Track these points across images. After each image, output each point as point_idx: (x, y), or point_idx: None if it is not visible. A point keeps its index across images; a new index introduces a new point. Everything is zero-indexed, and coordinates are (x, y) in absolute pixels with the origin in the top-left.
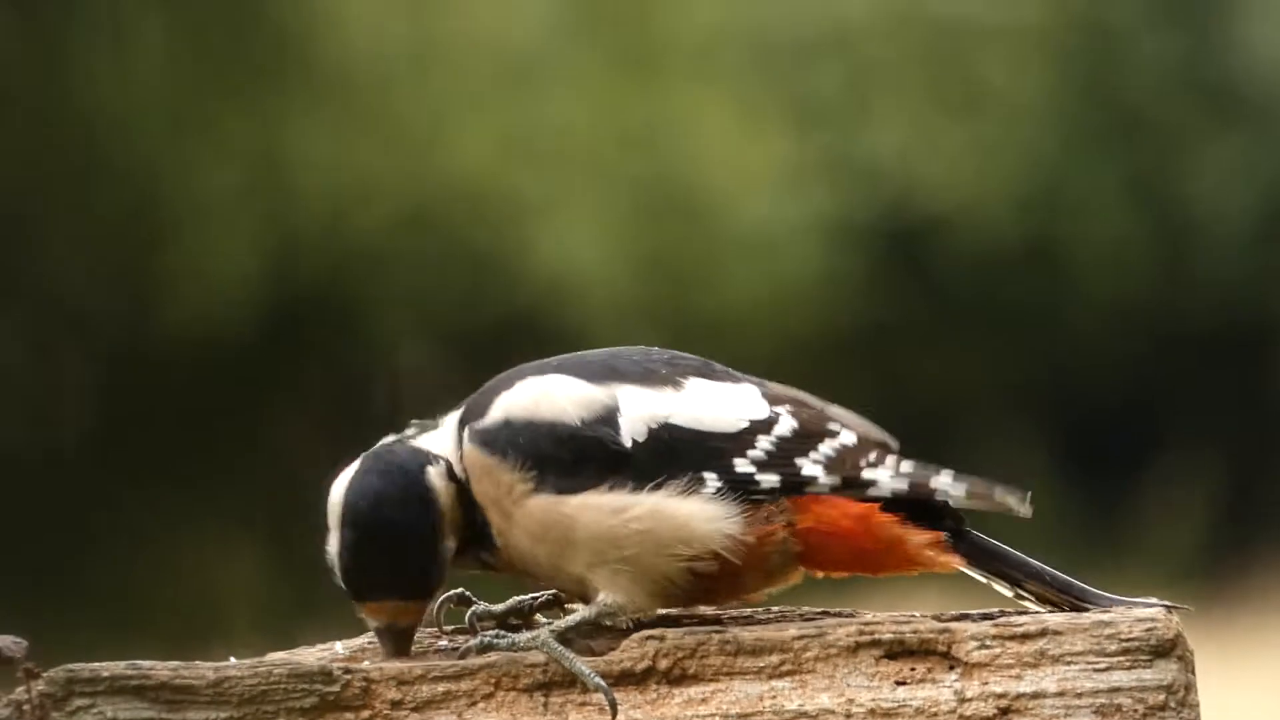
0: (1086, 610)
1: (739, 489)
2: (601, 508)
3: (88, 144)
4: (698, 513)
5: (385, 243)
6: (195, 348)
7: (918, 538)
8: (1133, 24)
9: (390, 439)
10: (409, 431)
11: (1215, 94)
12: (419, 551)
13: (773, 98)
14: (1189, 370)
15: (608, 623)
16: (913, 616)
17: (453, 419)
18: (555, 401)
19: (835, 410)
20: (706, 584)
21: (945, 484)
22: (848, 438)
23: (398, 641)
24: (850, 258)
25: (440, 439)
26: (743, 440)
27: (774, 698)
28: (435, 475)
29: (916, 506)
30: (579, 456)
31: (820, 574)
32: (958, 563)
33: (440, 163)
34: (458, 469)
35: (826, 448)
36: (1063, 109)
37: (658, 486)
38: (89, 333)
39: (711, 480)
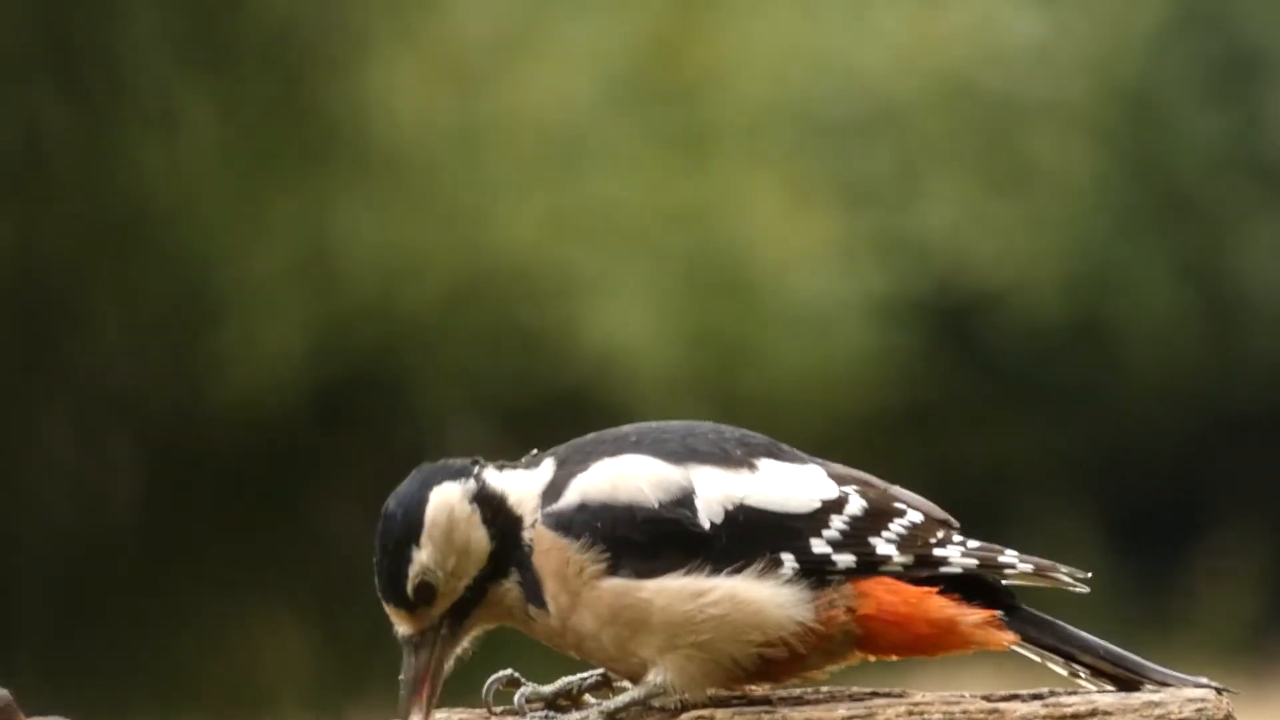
0: (1141, 684)
1: (815, 570)
2: (679, 592)
3: (136, 228)
4: (772, 598)
5: (434, 320)
6: (244, 429)
7: (972, 617)
8: (1181, 102)
9: (483, 464)
10: (521, 460)
11: (1264, 172)
12: (392, 555)
13: (822, 175)
14: (1238, 447)
15: (656, 703)
16: (962, 696)
17: (542, 473)
18: (633, 483)
19: (897, 490)
20: (770, 667)
21: (1012, 559)
22: (915, 516)
23: (409, 655)
24: (899, 335)
25: (524, 481)
26: (817, 520)
27: None
28: (444, 491)
29: (970, 588)
30: (656, 539)
31: (874, 658)
32: (1011, 640)
33: (489, 240)
34: (528, 519)
35: (898, 526)
36: (1111, 186)
37: (736, 570)
38: (137, 416)
39: (789, 561)
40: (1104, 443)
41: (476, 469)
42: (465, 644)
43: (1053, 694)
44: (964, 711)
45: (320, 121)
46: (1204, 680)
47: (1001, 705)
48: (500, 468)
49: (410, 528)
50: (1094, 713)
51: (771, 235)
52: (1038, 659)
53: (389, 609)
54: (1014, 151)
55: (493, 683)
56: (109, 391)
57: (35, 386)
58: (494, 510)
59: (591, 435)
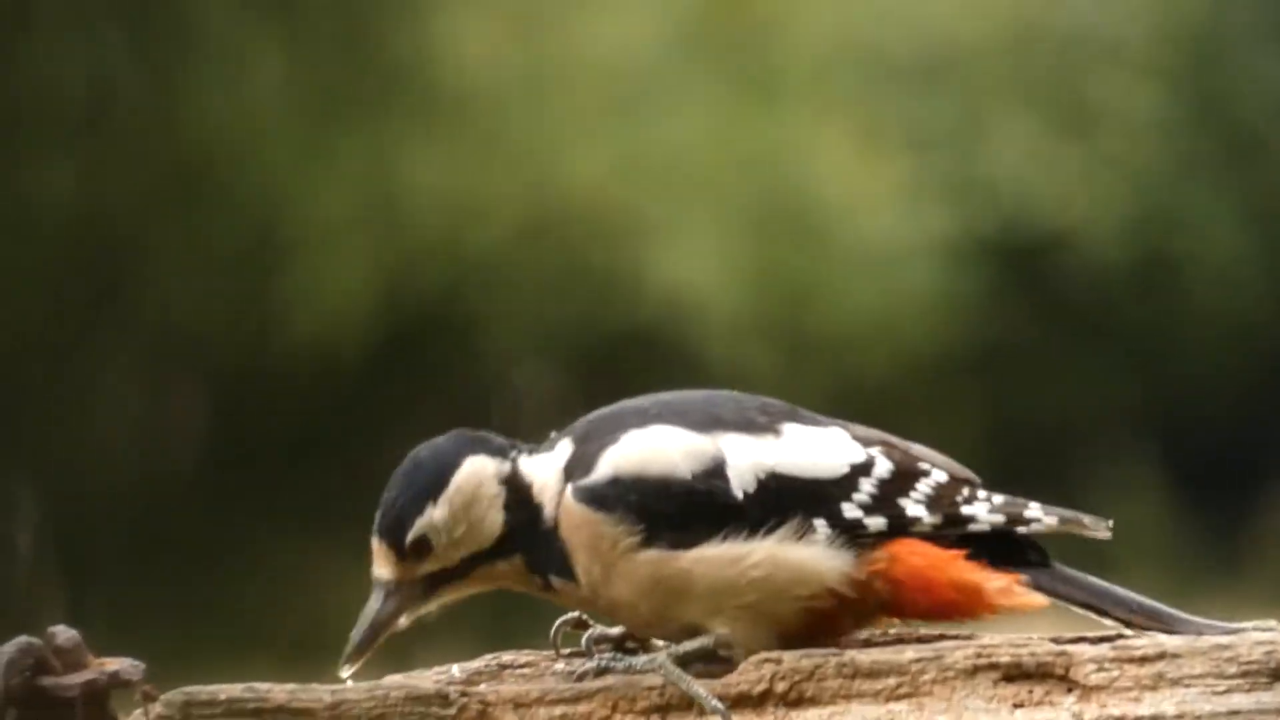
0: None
1: (847, 534)
2: (719, 559)
3: (203, 172)
4: (810, 556)
5: (501, 262)
6: (311, 371)
7: (995, 582)
8: (1247, 42)
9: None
10: (542, 444)
11: None
12: (406, 501)
13: (888, 118)
14: None
15: (724, 653)
16: (1030, 639)
17: (560, 453)
18: (664, 455)
19: (918, 449)
20: (815, 623)
21: (1037, 513)
22: (940, 475)
23: (375, 600)
24: (965, 276)
25: (544, 465)
26: (846, 484)
27: None
28: (479, 463)
29: (999, 548)
30: (691, 510)
31: (899, 621)
32: (1039, 601)
33: (556, 182)
34: (549, 504)
35: (924, 486)
36: (1177, 128)
37: (770, 531)
38: (205, 360)
39: (822, 527)
40: (1169, 385)
41: (514, 453)
42: (432, 608)
43: (1120, 637)
44: (1032, 654)
45: (387, 64)
46: (1272, 623)
47: (1070, 648)
48: (531, 453)
49: (435, 483)
50: (1162, 655)
51: (838, 178)
52: (1080, 613)
53: (376, 548)
54: (1079, 93)
55: (560, 625)
56: (176, 335)
57: (102, 331)
58: (518, 498)
59: (607, 409)
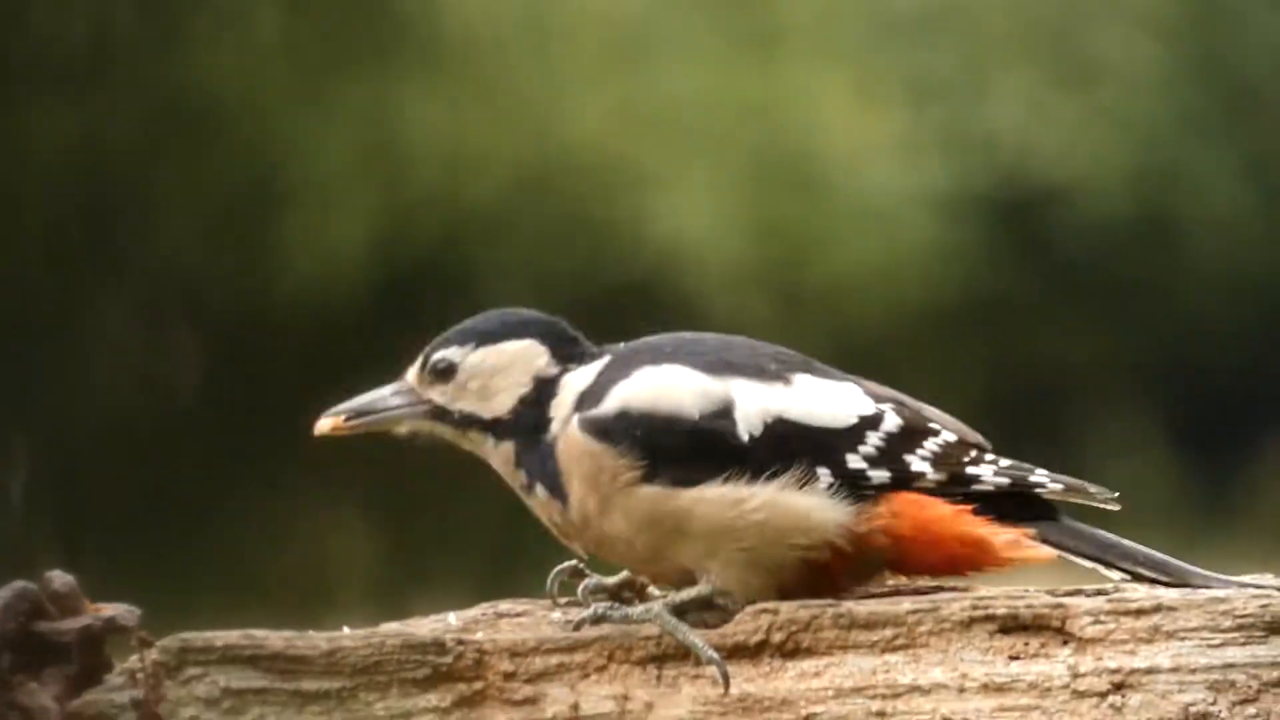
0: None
1: (850, 484)
2: (719, 500)
3: (203, 119)
4: (810, 504)
5: (499, 211)
6: (309, 319)
7: (1003, 536)
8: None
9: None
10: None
11: None
12: (458, 332)
13: (888, 70)
14: None
15: (720, 601)
16: (1026, 591)
17: (583, 377)
18: (674, 394)
19: (930, 410)
20: (811, 578)
21: (1042, 479)
22: (948, 435)
23: (391, 390)
24: (964, 230)
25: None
26: (853, 436)
27: (887, 671)
28: (533, 352)
29: (1007, 505)
30: (695, 450)
31: (906, 579)
32: (1047, 554)
33: (555, 132)
34: (558, 422)
35: (932, 444)
36: (1178, 82)
37: (773, 477)
38: (203, 306)
39: (825, 475)
40: (1168, 339)
41: (572, 365)
42: (425, 431)
43: (1117, 589)
44: (1028, 606)
45: (388, 13)
46: (1269, 577)
47: (1066, 600)
48: (579, 343)
49: (491, 335)
50: (1158, 608)
51: (838, 130)
52: (1088, 566)
53: (419, 358)
54: (1080, 47)
55: (557, 574)
56: (174, 281)
57: (100, 277)
58: (537, 399)
59: (632, 345)
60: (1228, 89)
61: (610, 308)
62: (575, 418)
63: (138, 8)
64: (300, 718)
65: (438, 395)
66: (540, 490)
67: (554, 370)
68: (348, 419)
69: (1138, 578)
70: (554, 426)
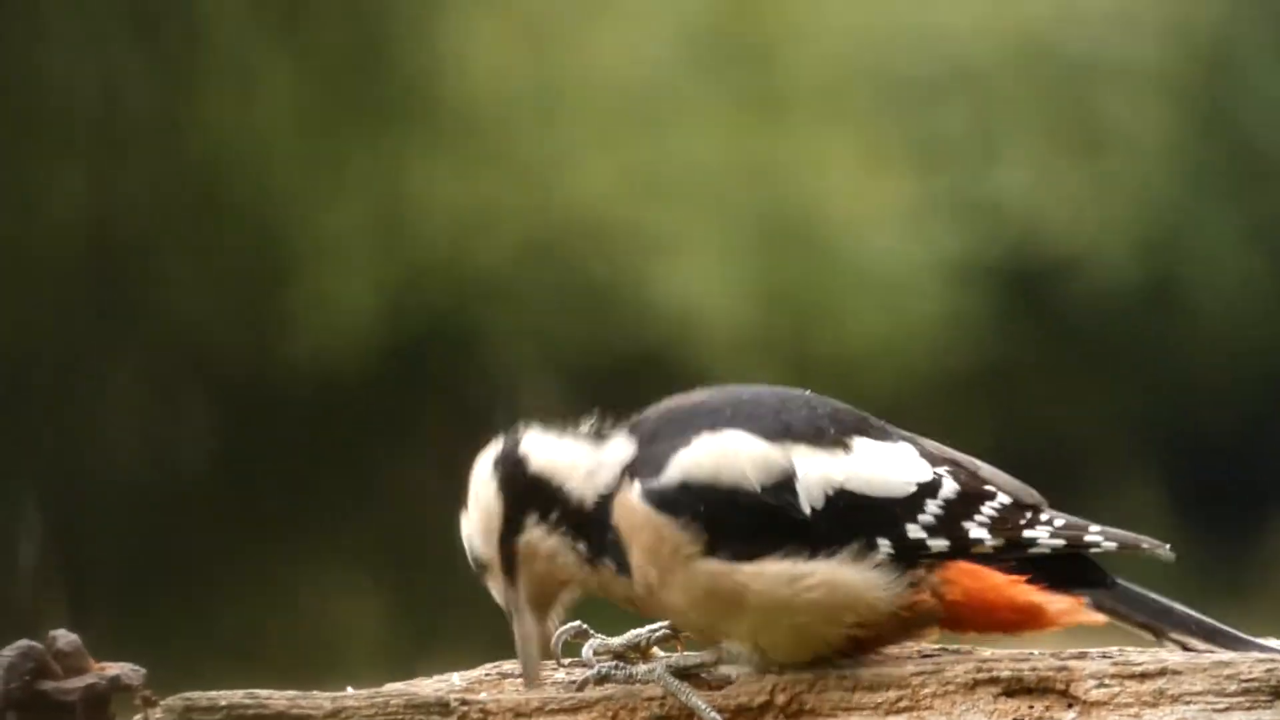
0: None
1: (909, 554)
2: (777, 577)
3: (211, 183)
4: (865, 580)
5: (507, 277)
6: (316, 384)
7: (1058, 605)
8: (1258, 65)
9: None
10: (580, 425)
11: None
12: (461, 529)
13: (897, 136)
14: None
15: (724, 669)
16: (1031, 654)
17: (618, 447)
18: (736, 464)
19: (986, 470)
20: (856, 645)
21: (1097, 537)
22: (1004, 498)
23: (510, 622)
24: (972, 298)
25: (581, 450)
26: (913, 505)
27: None
28: (483, 459)
29: (1060, 566)
30: (757, 523)
31: (958, 633)
32: (1100, 620)
33: (563, 198)
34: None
35: (989, 509)
36: (1186, 150)
37: (832, 554)
38: (211, 371)
39: (884, 546)
40: (1176, 408)
41: (513, 433)
42: (555, 602)
43: (1122, 652)
44: (1032, 669)
45: (395, 78)
46: None
47: (1071, 663)
48: (548, 429)
49: (463, 499)
50: (1164, 671)
51: (846, 196)
52: (1135, 632)
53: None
54: (1089, 114)
55: (561, 634)
56: (183, 346)
57: (109, 340)
58: (509, 474)
59: (680, 402)
60: (1237, 156)
61: (617, 372)
62: (636, 485)
63: (147, 71)
64: None
65: (497, 569)
66: (609, 564)
67: (501, 448)
68: (528, 677)
69: (1188, 647)
70: (582, 496)
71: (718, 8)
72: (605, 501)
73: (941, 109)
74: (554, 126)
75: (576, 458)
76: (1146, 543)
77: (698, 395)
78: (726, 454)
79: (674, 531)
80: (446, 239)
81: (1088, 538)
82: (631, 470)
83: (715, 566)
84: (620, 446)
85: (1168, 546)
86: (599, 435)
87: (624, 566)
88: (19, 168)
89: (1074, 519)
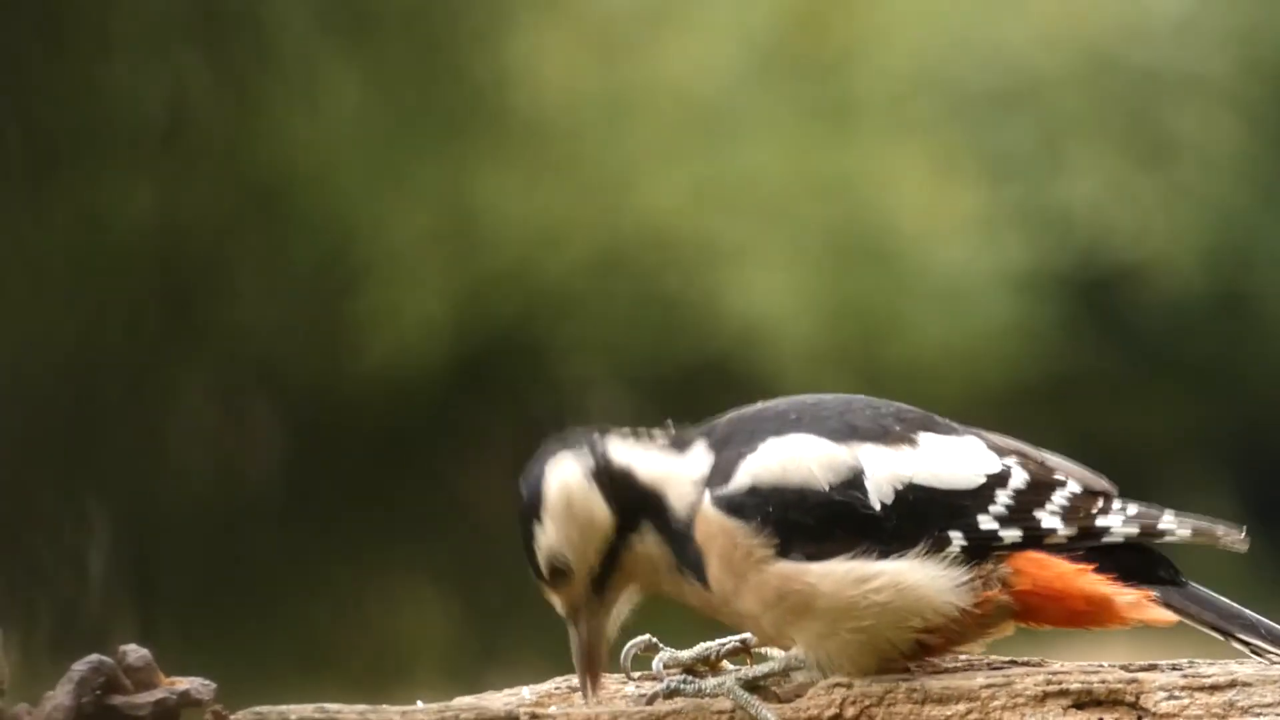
0: None
1: (982, 546)
2: (844, 577)
3: (279, 195)
4: (933, 583)
5: (574, 288)
6: (384, 395)
7: (1126, 597)
8: None
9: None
10: (655, 432)
11: None
12: (525, 537)
13: (965, 147)
14: None
15: (796, 676)
16: (1100, 666)
17: (695, 458)
18: (803, 465)
19: (1053, 459)
20: (925, 648)
21: (1170, 524)
22: (1075, 486)
23: (570, 631)
24: (1041, 308)
25: (664, 460)
26: (983, 496)
27: None
28: (562, 470)
29: (1130, 562)
30: (827, 522)
31: (1033, 627)
32: (1169, 618)
33: (631, 209)
34: (677, 502)
35: (1060, 498)
36: (1254, 160)
37: (903, 551)
38: (279, 382)
39: (957, 539)
40: (1244, 418)
41: (597, 443)
42: (620, 609)
43: (1191, 664)
44: (1102, 681)
45: (463, 88)
46: None
47: (1140, 675)
48: (626, 437)
49: (533, 509)
50: (1233, 684)
51: (914, 207)
52: (1204, 631)
53: (542, 589)
54: (1157, 125)
55: (631, 648)
56: (251, 357)
57: (178, 352)
58: (617, 484)
59: (744, 412)
60: None
61: (686, 384)
62: (707, 494)
63: (214, 81)
64: None
65: (582, 578)
66: (690, 578)
67: (591, 460)
68: (592, 685)
69: (1258, 651)
70: (678, 512)
71: (785, 19)
72: (691, 512)
73: (1009, 120)
74: (622, 138)
75: (673, 468)
76: (1222, 529)
77: (761, 405)
78: (793, 456)
79: (746, 536)
80: (514, 250)
81: (1162, 525)
82: (707, 480)
83: (786, 568)
84: (700, 457)
85: (1244, 532)
86: (680, 444)
87: (702, 577)
88: (87, 181)
89: (1147, 507)
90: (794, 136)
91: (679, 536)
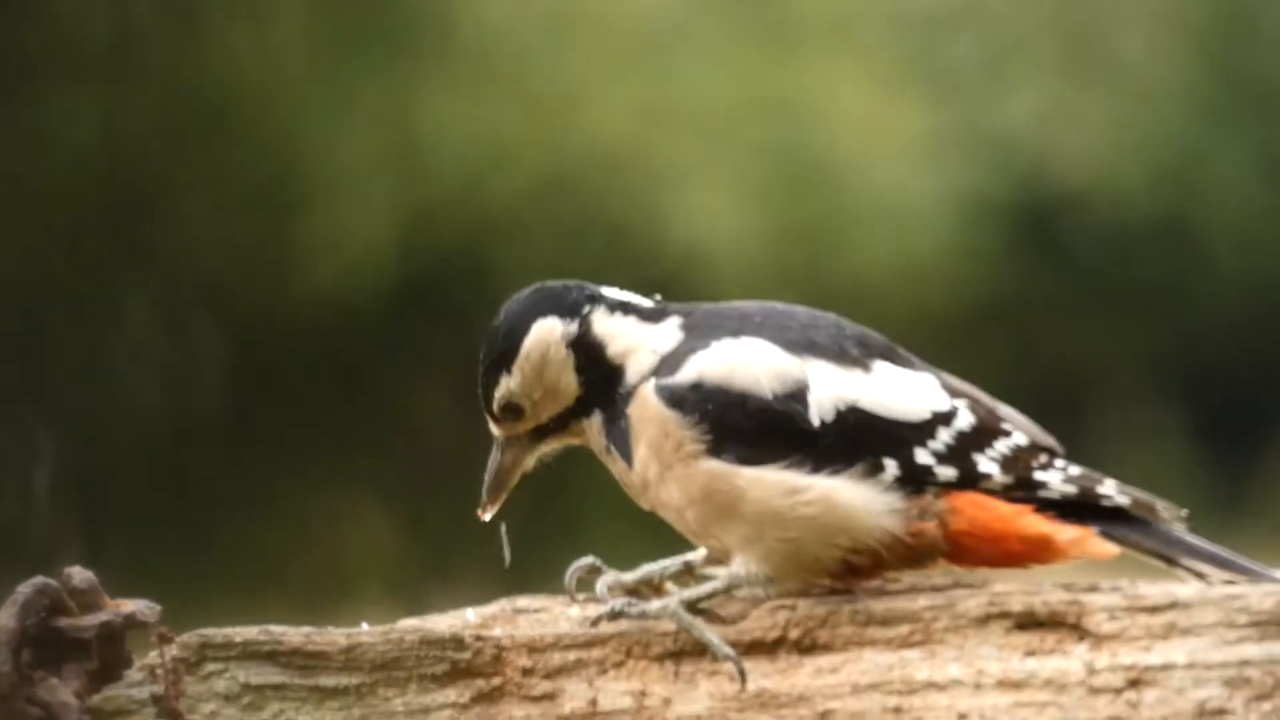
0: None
1: (915, 480)
2: (775, 486)
3: (223, 115)
4: (865, 505)
5: (520, 210)
6: (329, 317)
7: (1067, 534)
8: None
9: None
10: (644, 302)
11: None
12: (487, 372)
13: (908, 68)
14: None
15: (739, 594)
16: (1042, 587)
17: (664, 334)
18: (750, 370)
19: (1004, 410)
20: (852, 570)
21: (1110, 491)
22: (1020, 439)
23: (495, 452)
24: (983, 230)
25: (636, 331)
26: (925, 430)
27: (904, 668)
28: (545, 326)
29: (1069, 505)
30: (764, 430)
31: (965, 569)
32: (1111, 550)
33: (576, 131)
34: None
35: (1002, 446)
36: (1198, 82)
37: (835, 471)
38: (224, 303)
39: (891, 468)
40: (1187, 340)
41: (588, 309)
42: (545, 450)
43: (1133, 585)
44: (1044, 602)
45: (408, 10)
46: None
47: (1082, 597)
48: (614, 308)
49: (506, 353)
50: (1174, 604)
51: (857, 128)
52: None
53: (486, 414)
54: (1100, 47)
55: (575, 570)
56: (195, 278)
57: (122, 273)
58: (590, 358)
59: (721, 306)
60: (1249, 89)
61: None
62: (652, 382)
63: (157, 2)
64: (319, 713)
65: (528, 424)
66: (614, 451)
67: (574, 328)
68: (491, 498)
69: (1202, 575)
70: (628, 381)
71: None
72: (632, 391)
73: (952, 41)
74: (567, 60)
75: (643, 338)
76: (1162, 505)
77: (741, 304)
78: (743, 359)
79: (679, 428)
80: (460, 172)
81: (1101, 490)
82: (658, 368)
83: (716, 467)
84: (670, 332)
85: (1184, 513)
86: (657, 315)
87: (627, 453)
88: (29, 100)
89: (1090, 471)
90: (738, 58)
91: (618, 411)
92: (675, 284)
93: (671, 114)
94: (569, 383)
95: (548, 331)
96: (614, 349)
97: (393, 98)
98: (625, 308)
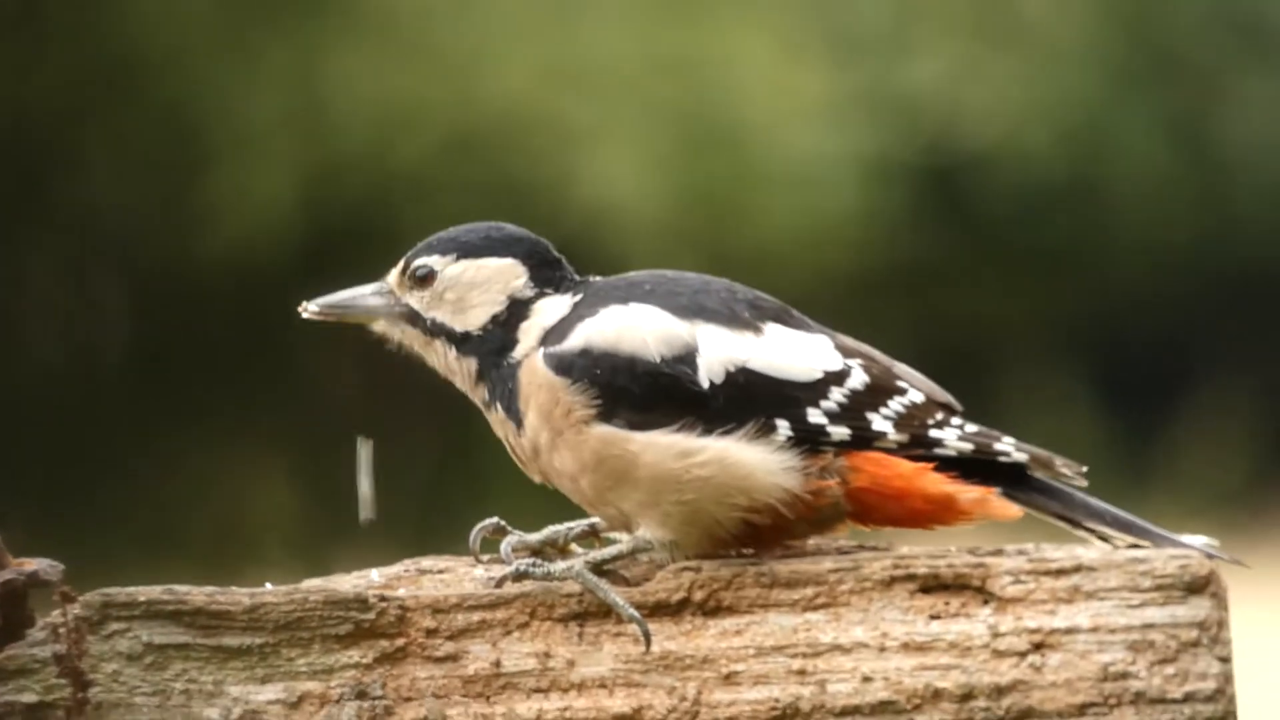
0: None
1: (808, 439)
2: (668, 449)
3: (129, 74)
4: (761, 463)
5: (425, 170)
6: (232, 274)
7: (969, 494)
8: None
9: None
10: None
11: (1254, 33)
12: (439, 241)
13: (815, 30)
14: (1228, 306)
15: (644, 557)
16: (948, 551)
17: (557, 309)
18: (637, 334)
19: (902, 369)
20: (755, 532)
21: (1007, 447)
22: (916, 396)
23: (373, 285)
24: (889, 192)
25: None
26: (817, 390)
27: (808, 630)
28: (510, 269)
29: (971, 465)
30: (653, 393)
31: (870, 528)
32: (1014, 511)
33: (482, 91)
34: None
35: (896, 404)
36: (1104, 46)
37: (727, 432)
38: (128, 261)
39: (783, 428)
40: (1093, 303)
41: (550, 291)
42: (397, 337)
43: (1038, 548)
44: (949, 565)
45: None
46: (1203, 539)
47: (987, 560)
48: (560, 281)
49: (472, 248)
50: (1079, 568)
51: (763, 89)
52: (1052, 522)
53: (401, 261)
54: (1007, 9)
55: (479, 531)
56: (100, 236)
57: (26, 230)
58: (509, 321)
59: (614, 278)
60: (1153, 51)
61: None
62: (540, 350)
63: None
64: (222, 673)
65: (414, 300)
66: (499, 409)
67: (530, 292)
68: (324, 310)
69: (1104, 537)
70: (519, 350)
71: None
72: (519, 363)
73: (859, 2)
74: (473, 21)
75: (543, 310)
76: (1061, 462)
77: (632, 274)
78: (631, 324)
79: (568, 395)
80: (366, 132)
81: (998, 446)
82: (545, 336)
83: (607, 433)
84: (559, 306)
85: (1084, 469)
86: (562, 286)
87: (517, 417)
88: None
89: (987, 429)
90: (644, 18)
91: (505, 372)
92: (580, 243)
93: (578, 74)
94: (478, 317)
95: (508, 273)
96: (525, 326)
97: (299, 57)
98: (572, 282)
